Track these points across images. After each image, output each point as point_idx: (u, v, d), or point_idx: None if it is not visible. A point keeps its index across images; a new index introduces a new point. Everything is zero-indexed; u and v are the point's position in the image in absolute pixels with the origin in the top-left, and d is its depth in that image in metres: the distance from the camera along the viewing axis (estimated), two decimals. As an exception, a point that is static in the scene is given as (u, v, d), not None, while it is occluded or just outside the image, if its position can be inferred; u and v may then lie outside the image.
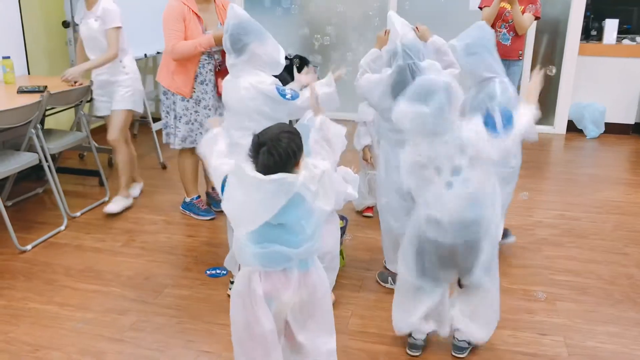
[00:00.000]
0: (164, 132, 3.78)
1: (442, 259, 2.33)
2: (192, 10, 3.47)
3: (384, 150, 2.88)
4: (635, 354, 2.56)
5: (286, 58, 2.79)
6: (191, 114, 3.62)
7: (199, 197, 3.96)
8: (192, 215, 3.93)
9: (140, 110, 4.05)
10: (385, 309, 2.85)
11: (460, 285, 2.47)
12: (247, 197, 1.78)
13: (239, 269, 2.10)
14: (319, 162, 1.90)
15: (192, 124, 3.64)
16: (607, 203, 4.21)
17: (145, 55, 4.91)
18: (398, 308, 2.52)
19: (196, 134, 3.65)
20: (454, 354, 2.51)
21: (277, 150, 1.77)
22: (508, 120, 2.27)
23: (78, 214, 3.87)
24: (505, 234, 3.38)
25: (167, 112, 3.70)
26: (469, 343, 2.50)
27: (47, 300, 2.93)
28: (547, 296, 2.99)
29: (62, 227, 3.68)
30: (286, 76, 3.25)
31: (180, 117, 3.63)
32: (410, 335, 2.52)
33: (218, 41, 3.40)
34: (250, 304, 1.87)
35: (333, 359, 2.05)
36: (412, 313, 2.45)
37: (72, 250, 3.45)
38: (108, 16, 3.70)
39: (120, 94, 3.87)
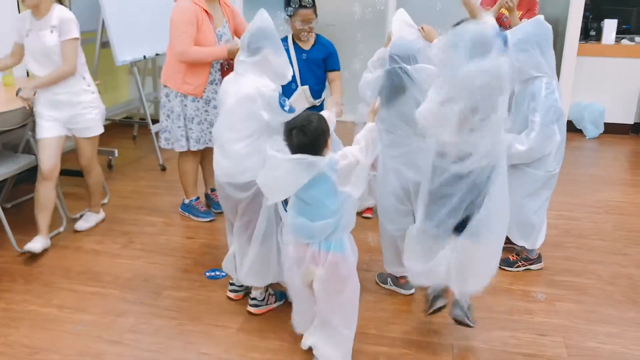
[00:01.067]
0: (162, 136, 3.75)
1: (449, 198, 2.29)
2: (204, 10, 3.46)
3: (381, 153, 2.86)
4: (635, 354, 2.56)
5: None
6: (201, 113, 3.63)
7: (198, 198, 3.95)
8: (191, 216, 3.92)
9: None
10: (385, 309, 2.85)
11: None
12: (273, 173, 2.20)
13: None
14: (357, 152, 2.22)
15: (203, 123, 3.65)
16: (607, 203, 4.21)
17: (145, 57, 4.90)
18: (416, 259, 2.46)
19: (206, 134, 3.67)
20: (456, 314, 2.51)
21: (309, 129, 2.14)
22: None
23: (77, 215, 3.87)
24: (539, 258, 3.27)
25: (168, 116, 3.67)
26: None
27: (45, 302, 2.92)
28: (546, 297, 2.98)
29: (62, 229, 3.68)
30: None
31: (192, 118, 3.63)
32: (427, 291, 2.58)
33: (231, 54, 3.43)
34: (289, 265, 2.34)
35: (349, 346, 2.38)
36: (429, 260, 2.41)
37: (71, 252, 3.44)
38: (66, 26, 3.26)
39: (89, 118, 3.47)
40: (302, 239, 2.24)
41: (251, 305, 2.83)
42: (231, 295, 2.94)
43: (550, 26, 2.90)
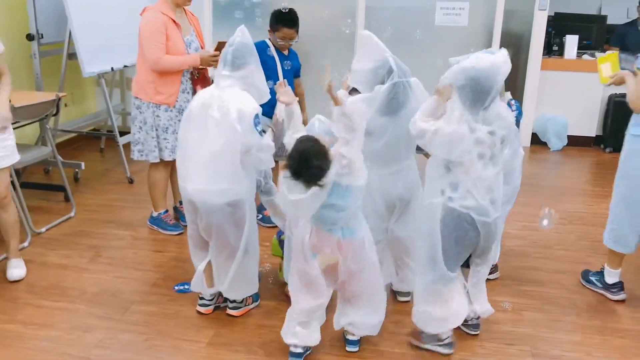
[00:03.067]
0: (134, 149, 3.71)
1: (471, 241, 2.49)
2: (172, 20, 3.50)
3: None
4: (599, 361, 2.62)
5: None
6: (175, 123, 3.62)
7: (166, 211, 3.92)
8: (159, 230, 3.89)
9: None
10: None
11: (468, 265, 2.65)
12: (291, 208, 2.40)
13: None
14: (344, 150, 2.28)
15: (176, 133, 3.62)
16: (571, 214, 4.31)
17: (112, 68, 4.86)
18: (434, 304, 2.56)
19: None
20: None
21: (323, 164, 2.22)
22: None
23: (43, 229, 3.80)
24: (496, 267, 3.34)
25: (140, 127, 3.65)
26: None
27: (10, 318, 2.85)
28: (513, 306, 3.03)
29: (26, 244, 3.60)
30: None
31: (167, 128, 3.64)
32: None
33: (204, 62, 3.53)
34: (301, 250, 2.42)
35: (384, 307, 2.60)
36: (456, 302, 2.57)
37: (36, 267, 3.37)
38: None
39: (8, 144, 3.11)
40: (325, 227, 2.37)
41: (231, 308, 2.85)
42: (201, 309, 2.92)
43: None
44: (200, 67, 3.59)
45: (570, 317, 2.96)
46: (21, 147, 3.98)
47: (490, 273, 3.20)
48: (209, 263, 2.81)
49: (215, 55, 3.44)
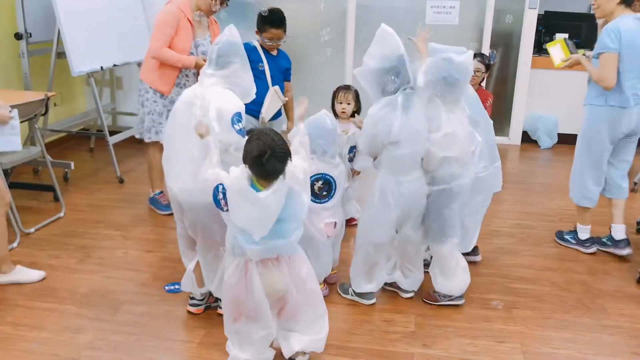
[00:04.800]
0: (136, 127, 4.04)
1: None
2: (187, 18, 3.70)
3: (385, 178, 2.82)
4: (589, 358, 2.63)
5: None
6: (167, 111, 3.78)
7: (161, 192, 4.14)
8: (155, 209, 4.15)
9: None
10: (346, 320, 2.88)
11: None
12: (258, 213, 2.17)
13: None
14: (299, 162, 2.30)
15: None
16: (561, 212, 4.33)
17: (102, 68, 4.83)
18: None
19: None
20: None
21: (282, 154, 2.14)
22: None
23: (32, 230, 3.77)
24: (476, 249, 3.47)
25: (141, 107, 3.92)
26: None
27: (-2, 320, 2.84)
28: (504, 304, 3.04)
29: (15, 245, 3.57)
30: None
31: (162, 113, 3.87)
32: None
33: (198, 67, 3.65)
34: (244, 281, 2.26)
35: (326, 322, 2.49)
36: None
37: (26, 267, 3.34)
38: None
39: None
40: (271, 256, 2.26)
41: (222, 308, 2.82)
42: (192, 309, 2.91)
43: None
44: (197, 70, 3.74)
45: (560, 315, 2.97)
46: (10, 147, 3.95)
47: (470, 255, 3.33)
48: (199, 262, 2.80)
49: None
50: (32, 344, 2.65)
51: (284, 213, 2.21)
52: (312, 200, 2.87)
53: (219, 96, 2.54)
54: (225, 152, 2.52)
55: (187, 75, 3.86)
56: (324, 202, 2.90)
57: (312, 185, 2.84)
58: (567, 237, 3.74)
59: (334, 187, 2.89)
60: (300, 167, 2.30)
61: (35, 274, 3.21)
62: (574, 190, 3.65)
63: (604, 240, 3.65)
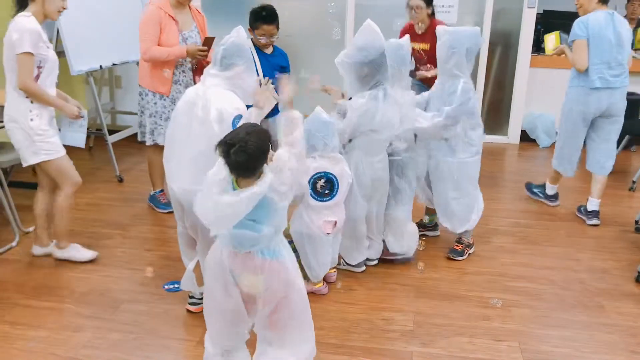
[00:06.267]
0: (138, 130, 4.06)
1: None
2: (168, 14, 3.73)
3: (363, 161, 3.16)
4: (587, 356, 2.64)
5: None
6: (168, 112, 3.83)
7: (162, 190, 4.19)
8: (154, 207, 4.19)
9: None
10: (345, 319, 2.87)
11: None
12: (221, 212, 1.99)
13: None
14: (293, 162, 2.09)
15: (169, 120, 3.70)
16: (559, 210, 4.34)
17: (101, 66, 4.84)
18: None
19: None
20: None
21: (248, 149, 1.95)
22: None
23: (31, 229, 3.77)
24: (435, 227, 3.84)
25: (142, 112, 3.97)
26: None
27: (-3, 319, 2.84)
28: (502, 302, 3.05)
29: (14, 244, 3.58)
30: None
31: (161, 114, 3.90)
32: None
33: (190, 54, 3.74)
34: (221, 274, 2.14)
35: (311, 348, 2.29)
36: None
37: (24, 266, 3.35)
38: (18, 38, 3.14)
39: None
40: (241, 249, 2.09)
41: None
42: (191, 308, 2.91)
43: (482, 39, 3.34)
44: (192, 59, 3.82)
45: (558, 313, 2.98)
46: (8, 145, 3.96)
47: (469, 247, 3.60)
48: (199, 262, 2.80)
49: (202, 50, 3.73)
50: (30, 343, 2.65)
51: (253, 215, 2.01)
52: (314, 198, 2.89)
53: (220, 97, 2.53)
54: None
55: (183, 71, 3.87)
56: (326, 200, 2.91)
57: (314, 183, 2.87)
58: (535, 190, 4.44)
59: (336, 186, 2.90)
60: (284, 159, 2.08)
61: (88, 253, 3.41)
62: (554, 158, 4.29)
63: (580, 208, 4.20)
